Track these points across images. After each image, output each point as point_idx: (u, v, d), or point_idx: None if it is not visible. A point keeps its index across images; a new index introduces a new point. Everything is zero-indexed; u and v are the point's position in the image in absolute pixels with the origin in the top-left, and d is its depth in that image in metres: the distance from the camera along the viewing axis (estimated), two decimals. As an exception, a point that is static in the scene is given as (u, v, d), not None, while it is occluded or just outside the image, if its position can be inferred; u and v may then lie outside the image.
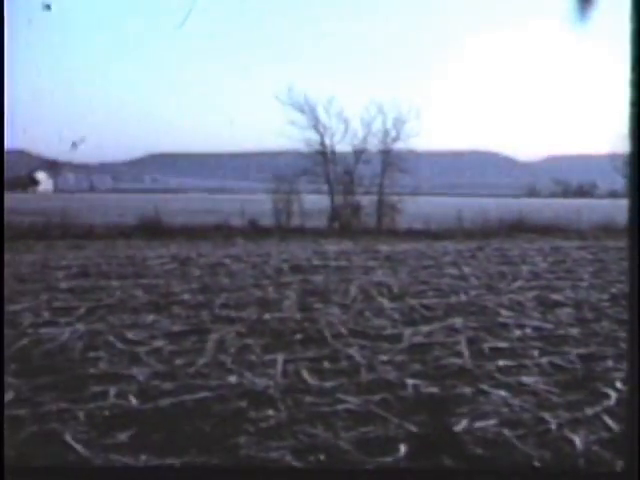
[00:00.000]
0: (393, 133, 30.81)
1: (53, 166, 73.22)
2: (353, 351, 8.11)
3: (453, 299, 11.40)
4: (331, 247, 19.23)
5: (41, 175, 72.28)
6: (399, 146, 30.87)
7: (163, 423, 5.86)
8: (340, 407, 6.23)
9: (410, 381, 6.94)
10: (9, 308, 10.48)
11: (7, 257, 13.55)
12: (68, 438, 5.47)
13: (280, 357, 7.78)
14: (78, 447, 5.30)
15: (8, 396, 6.44)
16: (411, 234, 24.78)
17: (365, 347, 8.30)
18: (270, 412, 6.09)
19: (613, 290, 12.14)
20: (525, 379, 7.05)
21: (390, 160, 30.91)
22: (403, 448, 5.27)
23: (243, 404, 6.31)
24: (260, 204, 29.75)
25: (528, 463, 5.15)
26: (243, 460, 5.14)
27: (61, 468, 5.04)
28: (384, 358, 7.84)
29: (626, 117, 3.30)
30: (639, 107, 3.28)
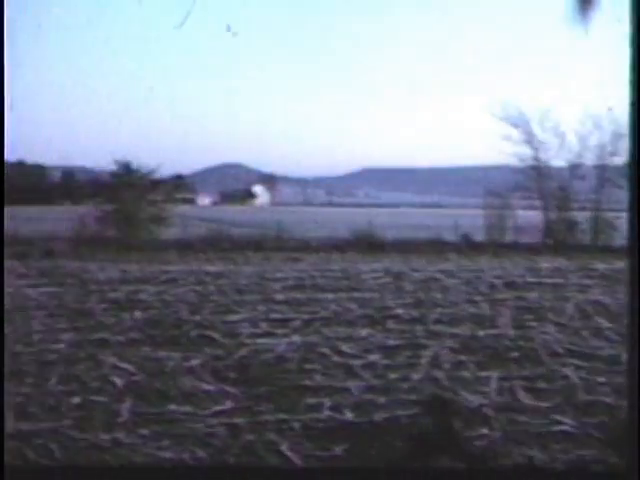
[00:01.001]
0: (610, 148, 29.59)
1: (270, 180, 75.66)
2: (569, 371, 7.81)
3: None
4: (545, 264, 18.65)
5: (258, 189, 74.80)
6: (616, 161, 29.61)
7: (377, 437, 5.81)
8: (556, 428, 5.99)
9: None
10: (229, 318, 10.86)
11: (226, 268, 14.10)
12: (284, 448, 5.51)
13: (494, 375, 7.60)
14: (294, 458, 5.35)
15: (227, 405, 6.62)
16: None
17: (582, 367, 7.98)
18: (484, 430, 5.95)
19: None
20: None
21: (607, 175, 29.71)
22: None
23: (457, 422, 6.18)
24: (473, 219, 29.38)
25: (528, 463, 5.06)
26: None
27: (61, 468, 5.10)
28: (601, 379, 7.50)
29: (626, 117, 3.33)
30: (639, 107, 3.34)
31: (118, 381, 7.34)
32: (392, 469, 5.19)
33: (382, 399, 6.82)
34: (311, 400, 6.80)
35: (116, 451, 5.42)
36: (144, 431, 5.86)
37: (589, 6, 4.58)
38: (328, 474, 5.19)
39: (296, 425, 6.04)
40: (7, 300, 11.87)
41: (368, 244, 24.30)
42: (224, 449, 5.51)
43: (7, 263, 15.61)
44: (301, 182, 77.95)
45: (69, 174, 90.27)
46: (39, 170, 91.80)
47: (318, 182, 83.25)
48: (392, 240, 25.18)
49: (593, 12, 4.56)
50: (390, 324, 10.43)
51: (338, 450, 5.52)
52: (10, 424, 5.84)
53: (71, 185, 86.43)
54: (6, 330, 9.72)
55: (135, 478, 4.77)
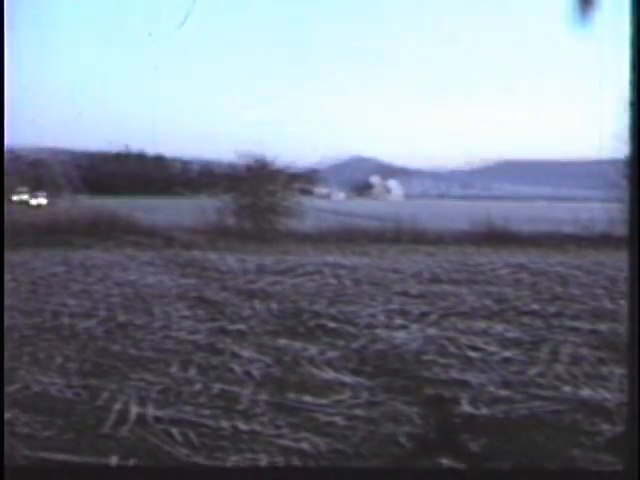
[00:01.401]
0: None
1: (404, 174, 75.49)
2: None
3: None
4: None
5: (392, 182, 74.72)
6: None
7: (496, 431, 5.67)
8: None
9: None
10: (364, 311, 10.75)
11: (361, 261, 14.02)
12: (403, 440, 5.38)
13: (617, 370, 7.29)
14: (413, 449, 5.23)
15: (363, 397, 6.52)
16: None
17: None
18: (606, 426, 5.70)
19: None
20: None
21: None
22: None
23: (579, 416, 5.99)
24: (594, 212, 28.48)
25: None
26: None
27: (61, 468, 4.97)
28: None
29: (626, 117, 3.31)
30: (639, 107, 3.32)
31: (255, 372, 7.32)
32: (392, 469, 5.07)
33: (519, 395, 6.57)
34: (430, 392, 6.70)
35: (255, 440, 5.38)
36: (263, 419, 5.84)
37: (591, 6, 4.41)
38: (328, 474, 5.02)
39: (415, 418, 5.91)
40: (147, 290, 12.21)
41: (503, 238, 23.84)
42: (362, 442, 5.39)
43: (133, 251, 16.07)
44: (435, 175, 77.40)
45: (207, 167, 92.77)
46: (177, 163, 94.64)
47: (452, 175, 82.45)
48: (528, 234, 24.66)
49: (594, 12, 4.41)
50: (526, 319, 10.16)
51: (476, 446, 5.34)
52: (151, 412, 5.92)
53: (209, 178, 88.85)
54: (130, 317, 9.96)
55: (135, 478, 4.72)
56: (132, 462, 4.98)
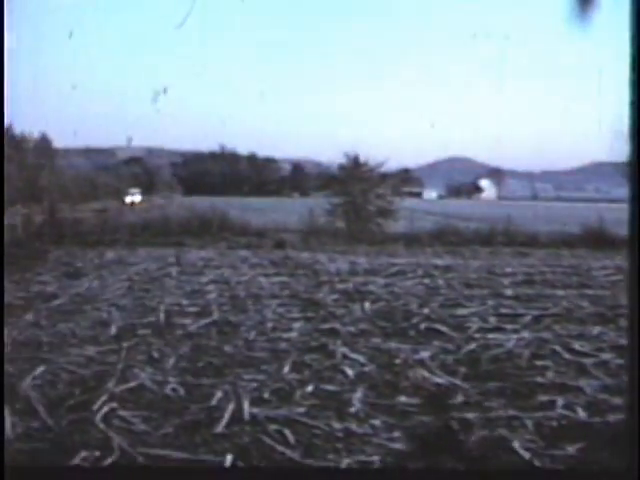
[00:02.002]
0: None
1: (496, 174, 74.60)
2: None
3: None
4: None
5: (485, 182, 73.96)
6: None
7: (612, 438, 5.63)
8: None
9: None
10: (457, 311, 10.87)
11: (454, 262, 14.10)
12: (516, 445, 5.47)
13: None
14: (526, 455, 5.29)
15: (457, 399, 6.63)
16: None
17: None
18: None
19: None
20: None
21: None
22: None
23: None
24: None
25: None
26: None
27: (61, 468, 5.01)
28: None
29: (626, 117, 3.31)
30: (639, 107, 3.31)
31: (349, 371, 7.50)
32: (392, 469, 5.08)
33: (617, 400, 6.59)
34: (543, 397, 6.68)
35: (348, 441, 5.51)
36: (375, 422, 5.96)
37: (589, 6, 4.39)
38: (328, 474, 5.09)
39: (528, 422, 5.95)
40: (241, 288, 12.52)
41: (599, 240, 23.52)
42: (475, 447, 5.47)
43: (241, 252, 16.45)
44: (528, 176, 76.27)
45: (299, 167, 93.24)
46: (270, 163, 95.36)
47: (546, 176, 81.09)
48: (624, 236, 24.21)
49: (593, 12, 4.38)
50: (623, 322, 10.03)
51: (572, 449, 5.38)
52: (246, 409, 6.17)
53: (300, 178, 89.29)
54: (240, 318, 10.26)
55: (136, 478, 4.82)
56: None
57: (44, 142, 64.04)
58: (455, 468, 5.05)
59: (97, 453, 5.18)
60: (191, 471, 5.10)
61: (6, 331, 9.09)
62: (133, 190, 57.09)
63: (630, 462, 3.43)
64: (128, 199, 48.64)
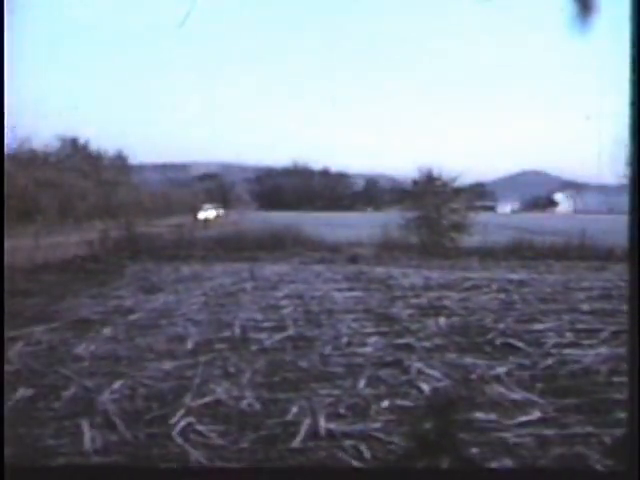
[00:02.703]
0: None
1: (572, 187, 73.57)
2: None
3: None
4: None
5: (560, 196, 73.07)
6: None
7: None
8: None
9: None
10: (533, 327, 10.76)
11: (529, 276, 13.91)
12: (593, 462, 5.38)
13: None
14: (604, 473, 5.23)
15: (534, 415, 6.57)
16: None
17: None
18: None
19: None
20: None
21: None
22: None
23: None
24: None
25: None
26: None
27: (61, 468, 5.01)
28: None
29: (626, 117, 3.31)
30: (639, 107, 3.32)
31: (425, 386, 7.49)
32: (392, 469, 5.10)
33: None
34: (621, 414, 6.57)
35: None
36: (469, 442, 5.88)
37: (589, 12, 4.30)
38: (328, 474, 5.00)
39: (607, 440, 5.87)
40: (315, 303, 12.58)
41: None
42: (532, 460, 5.46)
43: (315, 267, 16.54)
44: (605, 189, 75.01)
45: (372, 181, 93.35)
46: (343, 178, 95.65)
47: (623, 189, 79.59)
48: None
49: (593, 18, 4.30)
50: None
51: None
52: (322, 424, 6.19)
53: (373, 192, 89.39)
54: (315, 332, 10.31)
55: (136, 478, 4.79)
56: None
57: (120, 159, 65.41)
58: (455, 468, 5.00)
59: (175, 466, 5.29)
60: (192, 471, 5.19)
61: (84, 345, 9.31)
62: (207, 206, 57.74)
63: (630, 462, 3.41)
64: (201, 215, 49.16)
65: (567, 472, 5.16)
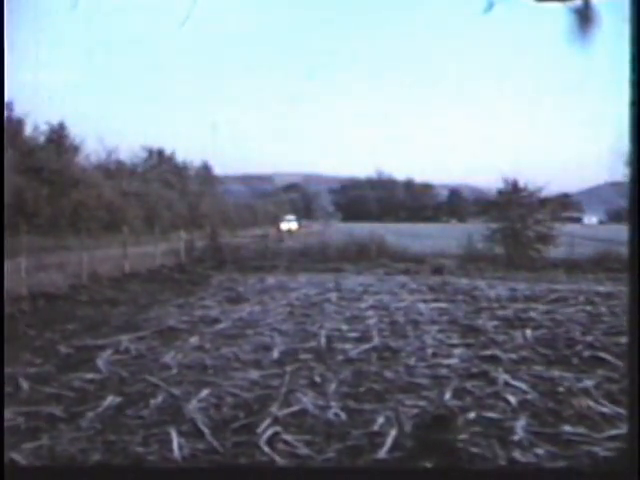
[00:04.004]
0: None
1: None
2: None
3: None
4: None
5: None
6: None
7: None
8: None
9: None
10: (621, 340, 10.51)
11: (617, 289, 13.56)
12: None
13: None
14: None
15: (623, 429, 6.40)
16: None
17: None
18: None
19: None
20: None
21: None
22: None
23: None
24: None
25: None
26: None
27: (61, 468, 4.94)
28: None
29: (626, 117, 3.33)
30: (639, 107, 3.32)
31: (512, 398, 7.39)
32: (392, 469, 5.05)
33: None
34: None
35: (530, 474, 5.32)
36: (539, 450, 5.84)
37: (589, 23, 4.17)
38: (328, 474, 4.95)
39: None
40: (400, 314, 12.51)
41: None
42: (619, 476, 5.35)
43: (400, 278, 16.46)
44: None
45: (455, 192, 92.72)
46: (427, 189, 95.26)
47: None
48: None
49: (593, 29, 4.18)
50: None
51: None
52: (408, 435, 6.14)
53: (457, 203, 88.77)
54: (400, 343, 10.27)
55: (136, 478, 4.70)
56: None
57: (205, 170, 66.28)
58: (453, 468, 5.05)
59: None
60: (192, 471, 5.18)
61: (171, 354, 9.44)
62: (289, 217, 57.98)
63: (630, 462, 3.39)
64: (284, 226, 49.31)
65: (567, 472, 5.09)
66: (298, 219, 60.22)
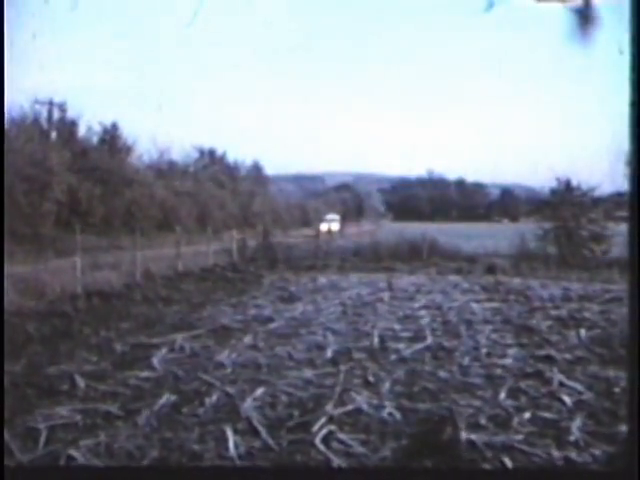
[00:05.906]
0: None
1: None
2: None
3: None
4: None
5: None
6: None
7: None
8: None
9: None
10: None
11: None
12: None
13: None
14: None
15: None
16: None
17: None
18: None
19: None
20: None
21: None
22: None
23: None
24: None
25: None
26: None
27: (61, 468, 4.92)
28: None
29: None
30: (639, 107, 3.31)
31: (567, 399, 7.34)
32: (392, 469, 5.05)
33: None
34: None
35: (584, 474, 5.36)
36: (595, 451, 5.79)
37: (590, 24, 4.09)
38: (328, 474, 4.97)
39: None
40: (453, 313, 12.48)
41: None
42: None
43: (452, 278, 16.41)
44: None
45: (507, 191, 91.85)
46: (478, 188, 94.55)
47: None
48: None
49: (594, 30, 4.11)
50: None
51: None
52: (463, 435, 6.11)
53: (509, 202, 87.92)
54: (454, 343, 10.25)
55: (136, 478, 4.71)
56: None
57: (256, 170, 66.49)
58: (453, 468, 5.03)
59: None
60: (192, 471, 5.20)
61: (226, 353, 9.52)
62: (330, 216, 57.55)
63: (630, 462, 3.40)
64: (323, 226, 48.48)
65: (567, 472, 5.06)
66: (342, 218, 59.93)
